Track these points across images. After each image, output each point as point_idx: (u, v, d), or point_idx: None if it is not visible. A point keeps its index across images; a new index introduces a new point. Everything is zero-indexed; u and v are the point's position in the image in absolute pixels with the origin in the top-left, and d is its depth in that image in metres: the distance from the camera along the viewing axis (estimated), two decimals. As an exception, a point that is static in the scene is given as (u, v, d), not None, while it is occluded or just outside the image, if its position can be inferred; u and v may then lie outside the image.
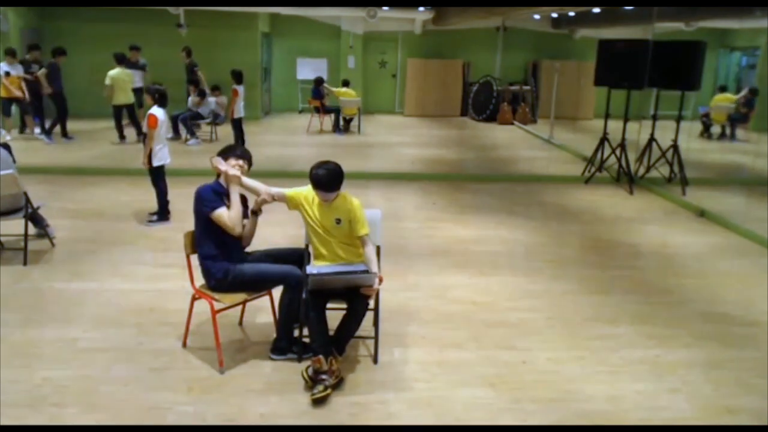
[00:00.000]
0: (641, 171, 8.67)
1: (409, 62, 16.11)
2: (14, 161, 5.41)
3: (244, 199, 3.73)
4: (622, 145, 8.44)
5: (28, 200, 5.16)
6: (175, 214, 6.29)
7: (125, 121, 10.82)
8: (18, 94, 10.09)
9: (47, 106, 11.25)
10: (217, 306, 3.49)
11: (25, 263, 5.00)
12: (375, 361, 3.63)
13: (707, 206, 7.23)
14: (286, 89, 16.13)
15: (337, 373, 3.32)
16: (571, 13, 14.07)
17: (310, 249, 3.73)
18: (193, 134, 10.90)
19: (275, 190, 3.68)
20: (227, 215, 3.48)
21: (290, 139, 11.95)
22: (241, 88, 9.95)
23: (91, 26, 13.29)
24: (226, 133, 11.02)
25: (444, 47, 16.25)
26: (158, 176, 6.12)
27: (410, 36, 16.11)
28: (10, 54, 10.16)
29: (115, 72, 10.31)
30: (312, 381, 3.27)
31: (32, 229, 5.38)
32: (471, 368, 3.61)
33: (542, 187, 8.42)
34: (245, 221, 3.71)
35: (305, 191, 3.64)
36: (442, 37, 16.15)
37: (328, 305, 3.46)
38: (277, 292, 3.65)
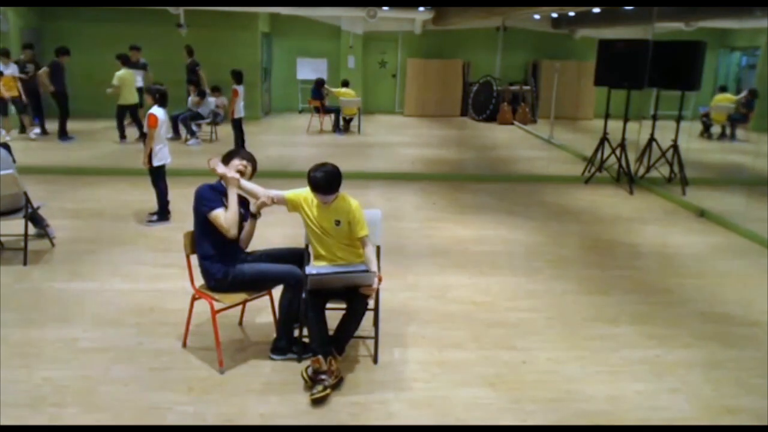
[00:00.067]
0: (641, 171, 8.67)
1: (409, 62, 16.11)
2: (14, 161, 5.41)
3: (244, 201, 3.72)
4: (622, 145, 8.44)
5: (28, 200, 5.16)
6: (175, 214, 6.30)
7: (127, 121, 10.86)
8: (6, 95, 10.11)
9: (48, 106, 11.28)
10: (217, 306, 3.49)
11: (25, 263, 5.00)
12: (375, 361, 3.63)
13: (707, 206, 7.23)
14: (286, 89, 16.13)
15: (336, 373, 3.32)
16: (571, 13, 14.07)
17: (310, 249, 3.73)
18: (193, 134, 10.91)
19: (274, 192, 3.66)
20: (224, 217, 3.47)
21: (290, 139, 11.95)
22: (241, 88, 9.96)
23: (91, 26, 13.29)
24: (226, 133, 11.02)
25: (444, 47, 16.25)
26: (158, 176, 6.12)
27: (410, 36, 16.11)
28: (4, 54, 10.19)
29: (123, 72, 10.37)
30: (311, 381, 3.27)
31: (32, 229, 5.37)
32: (471, 368, 3.61)
33: (542, 187, 8.42)
34: (244, 223, 3.71)
35: (304, 193, 3.63)
36: (442, 37, 16.15)
37: (328, 305, 3.46)
38: (277, 292, 3.65)
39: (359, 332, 3.58)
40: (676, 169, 8.33)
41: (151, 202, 6.31)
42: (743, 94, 12.32)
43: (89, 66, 12.60)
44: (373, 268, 3.48)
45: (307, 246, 3.76)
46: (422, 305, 4.47)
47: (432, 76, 16.10)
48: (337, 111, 12.73)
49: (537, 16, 15.03)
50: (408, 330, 4.07)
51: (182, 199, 6.45)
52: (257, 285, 3.61)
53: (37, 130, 11.06)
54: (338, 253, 3.59)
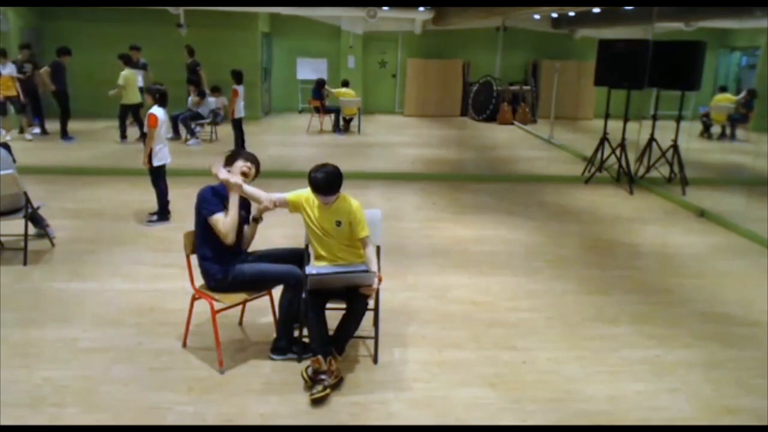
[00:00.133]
0: (641, 171, 8.67)
1: (409, 62, 16.11)
2: (14, 161, 5.41)
3: (245, 203, 3.71)
4: (622, 145, 8.44)
5: (28, 200, 5.16)
6: (175, 214, 6.30)
7: (128, 121, 10.88)
8: (4, 95, 10.11)
9: (48, 106, 11.28)
10: (217, 306, 3.49)
11: (25, 263, 5.00)
12: (375, 361, 3.63)
13: (707, 206, 7.23)
14: (286, 89, 16.13)
15: (336, 373, 3.32)
16: (571, 13, 14.07)
17: (310, 249, 3.73)
18: (193, 134, 10.92)
19: (276, 195, 3.65)
20: (222, 222, 3.45)
21: (290, 139, 11.95)
22: (241, 88, 9.96)
23: (91, 26, 13.29)
24: (226, 133, 11.02)
25: (444, 47, 16.25)
26: (158, 176, 6.12)
27: (410, 36, 16.11)
28: (2, 54, 10.20)
29: (127, 72, 10.41)
30: (311, 381, 3.27)
31: (32, 229, 5.37)
32: (471, 368, 3.61)
33: (542, 187, 8.42)
34: (245, 226, 3.71)
35: (305, 193, 3.63)
36: (442, 37, 16.15)
37: (328, 305, 3.46)
38: (277, 292, 3.65)
39: (359, 332, 3.58)
40: (676, 169, 8.33)
41: (151, 202, 6.31)
42: (743, 94, 12.32)
43: (89, 66, 12.61)
44: (374, 268, 3.48)
45: (307, 246, 3.76)
46: (422, 305, 4.47)
47: (432, 76, 16.10)
48: (337, 111, 12.73)
49: (537, 16, 15.03)
50: (408, 330, 4.07)
51: (182, 199, 6.46)
52: (257, 285, 3.61)
53: (37, 130, 11.06)
54: (339, 253, 3.59)
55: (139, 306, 4.30)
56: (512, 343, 3.92)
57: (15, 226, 5.26)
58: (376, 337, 3.64)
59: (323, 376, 3.25)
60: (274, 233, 5.29)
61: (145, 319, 4.09)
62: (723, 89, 13.07)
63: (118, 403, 3.16)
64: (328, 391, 3.23)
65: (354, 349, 3.74)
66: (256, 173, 3.72)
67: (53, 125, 10.98)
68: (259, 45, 14.17)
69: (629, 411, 3.24)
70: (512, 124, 15.25)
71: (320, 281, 3.37)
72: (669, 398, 3.37)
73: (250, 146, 9.93)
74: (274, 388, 3.34)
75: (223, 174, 3.50)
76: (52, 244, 5.46)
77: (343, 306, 3.47)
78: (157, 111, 5.90)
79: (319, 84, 12.85)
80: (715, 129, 12.85)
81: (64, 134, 10.67)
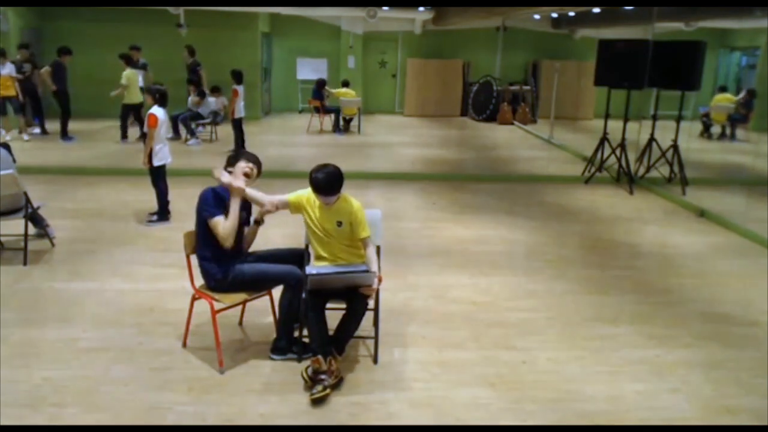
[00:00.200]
0: (641, 171, 8.67)
1: (409, 62, 16.11)
2: (14, 161, 5.41)
3: (247, 204, 3.71)
4: (622, 145, 8.44)
5: (28, 200, 5.16)
6: (175, 214, 6.30)
7: (129, 120, 10.89)
8: (3, 94, 10.13)
9: (48, 106, 11.27)
10: (217, 306, 3.49)
11: (25, 263, 5.00)
12: (375, 361, 3.63)
13: (707, 206, 7.23)
14: (286, 89, 16.13)
15: (336, 373, 3.32)
16: (571, 13, 14.07)
17: (310, 250, 3.73)
18: (193, 134, 10.92)
19: (277, 198, 3.65)
20: (222, 226, 3.45)
21: (290, 139, 11.95)
22: (241, 88, 9.96)
23: (91, 26, 13.29)
24: (226, 134, 11.02)
25: (444, 47, 16.25)
26: (158, 176, 6.12)
27: (410, 36, 16.11)
28: (1, 54, 10.20)
29: (129, 72, 10.42)
30: (311, 381, 3.27)
31: (32, 229, 5.37)
32: (471, 368, 3.61)
33: (542, 187, 8.42)
34: (245, 227, 3.71)
35: (306, 194, 3.63)
36: (442, 37, 16.16)
37: (328, 305, 3.46)
38: (277, 292, 3.65)
39: (359, 332, 3.58)
40: (676, 169, 8.33)
41: (151, 202, 6.31)
42: (742, 94, 12.32)
43: (89, 66, 12.61)
44: (374, 268, 3.48)
45: (307, 246, 3.76)
46: (422, 305, 4.47)
47: (432, 76, 16.10)
48: (337, 111, 12.73)
49: (537, 16, 15.03)
50: (408, 330, 4.07)
51: (182, 199, 6.46)
52: (257, 285, 3.61)
53: (37, 130, 11.07)
54: (339, 254, 3.59)
55: (139, 306, 4.30)
56: (512, 343, 3.92)
57: (15, 226, 5.26)
58: (376, 337, 3.64)
59: (323, 376, 3.25)
60: (274, 233, 5.29)
61: (145, 319, 4.09)
62: (723, 89, 13.07)
63: (118, 403, 3.16)
64: (328, 391, 3.23)
65: (354, 349, 3.74)
66: (258, 173, 3.72)
67: (53, 125, 10.98)
68: (259, 45, 14.17)
69: (629, 411, 3.24)
70: (512, 124, 15.25)
71: (320, 281, 3.37)
72: (669, 398, 3.37)
73: (250, 146, 9.93)
74: (274, 388, 3.34)
75: (225, 178, 3.49)
76: (52, 244, 5.46)
77: (343, 306, 3.47)
78: (157, 111, 5.91)
79: (320, 84, 12.84)
80: (715, 129, 12.85)
81: (64, 134, 10.67)
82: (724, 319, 4.40)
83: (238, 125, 10.07)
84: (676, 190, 8.08)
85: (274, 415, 3.10)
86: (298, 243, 3.90)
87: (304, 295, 3.47)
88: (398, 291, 4.65)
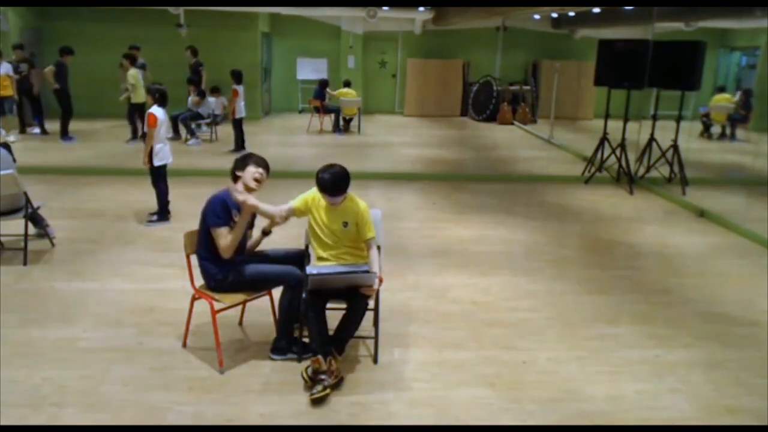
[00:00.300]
0: (641, 171, 8.67)
1: (409, 62, 16.11)
2: (14, 161, 5.41)
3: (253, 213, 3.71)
4: (622, 145, 8.44)
5: (28, 200, 5.16)
6: (175, 214, 6.30)
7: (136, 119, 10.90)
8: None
9: (49, 106, 11.27)
10: (217, 306, 3.49)
11: (25, 263, 5.00)
12: (375, 361, 3.63)
13: (707, 206, 7.23)
14: (286, 89, 16.13)
15: (336, 373, 3.32)
16: (571, 13, 14.07)
17: (310, 250, 3.73)
18: (193, 134, 10.92)
19: (285, 208, 3.65)
20: (225, 237, 3.44)
21: (290, 139, 11.95)
22: (241, 88, 9.95)
23: (91, 26, 13.29)
24: (226, 134, 11.03)
25: (444, 47, 16.25)
26: (159, 176, 6.11)
27: (410, 36, 16.11)
28: None
29: (135, 72, 10.42)
30: (311, 381, 3.27)
31: (32, 229, 5.37)
32: (471, 368, 3.61)
33: (542, 187, 8.42)
34: (249, 231, 3.72)
35: (310, 196, 3.63)
36: (442, 37, 16.15)
37: (328, 305, 3.46)
38: (277, 292, 3.65)
39: (359, 332, 3.58)
40: (676, 169, 8.33)
41: (151, 202, 6.31)
42: (738, 95, 12.34)
43: (89, 66, 12.59)
44: (376, 269, 3.48)
45: (307, 246, 3.76)
46: (422, 305, 4.47)
47: (432, 76, 16.10)
48: (337, 111, 12.73)
49: (537, 16, 15.03)
50: (408, 330, 4.07)
51: (182, 199, 6.47)
52: (257, 285, 3.62)
53: (37, 130, 11.06)
54: (343, 255, 3.60)
55: (139, 306, 4.30)
56: (512, 343, 3.92)
57: (15, 226, 5.26)
58: (376, 337, 3.64)
59: (323, 376, 3.25)
60: (274, 233, 5.26)
61: (145, 319, 4.09)
62: (721, 89, 13.07)
63: (118, 403, 3.16)
64: (328, 391, 3.23)
65: (354, 349, 3.74)
66: (267, 176, 3.72)
67: (53, 125, 10.97)
68: (259, 45, 14.17)
69: (629, 411, 3.24)
70: (512, 124, 15.26)
71: (321, 281, 3.37)
72: (669, 398, 3.37)
73: (250, 146, 9.94)
74: (274, 388, 3.34)
75: (241, 196, 3.43)
76: (52, 244, 5.46)
77: (343, 306, 3.47)
78: (157, 111, 5.91)
79: (322, 84, 12.85)
80: (715, 129, 12.86)
81: (65, 134, 10.66)
82: (724, 319, 4.40)
83: (238, 125, 10.07)
84: (676, 190, 8.08)
85: (274, 415, 3.10)
86: (298, 243, 3.90)
87: (304, 295, 3.47)
88: (398, 291, 4.65)
